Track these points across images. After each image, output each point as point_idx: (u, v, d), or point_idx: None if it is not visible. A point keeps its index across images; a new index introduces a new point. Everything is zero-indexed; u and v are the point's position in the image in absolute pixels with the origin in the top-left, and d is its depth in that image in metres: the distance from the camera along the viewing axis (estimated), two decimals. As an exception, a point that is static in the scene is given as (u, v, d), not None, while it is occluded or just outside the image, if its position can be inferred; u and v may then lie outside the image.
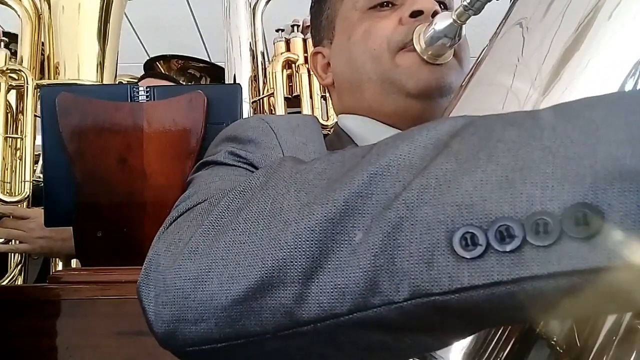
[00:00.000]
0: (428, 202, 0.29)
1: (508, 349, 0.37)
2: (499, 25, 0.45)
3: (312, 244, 0.32)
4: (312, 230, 0.32)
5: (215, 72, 2.16)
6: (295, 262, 0.32)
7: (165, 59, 2.20)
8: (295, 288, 0.32)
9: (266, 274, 0.33)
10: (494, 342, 0.37)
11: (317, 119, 0.66)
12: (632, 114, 0.27)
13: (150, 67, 2.17)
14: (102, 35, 1.53)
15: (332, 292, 0.31)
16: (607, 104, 0.29)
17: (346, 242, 0.31)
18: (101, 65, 1.53)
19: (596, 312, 0.37)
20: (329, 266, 0.31)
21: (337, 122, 0.70)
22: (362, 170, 0.32)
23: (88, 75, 1.51)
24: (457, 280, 0.28)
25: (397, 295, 0.29)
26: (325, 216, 0.32)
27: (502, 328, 0.37)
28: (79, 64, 1.52)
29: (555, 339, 0.39)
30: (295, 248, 0.32)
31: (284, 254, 0.32)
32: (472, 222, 0.28)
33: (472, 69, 0.46)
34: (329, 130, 1.35)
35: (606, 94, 0.30)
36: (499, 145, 0.29)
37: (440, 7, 0.63)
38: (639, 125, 0.27)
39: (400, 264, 0.29)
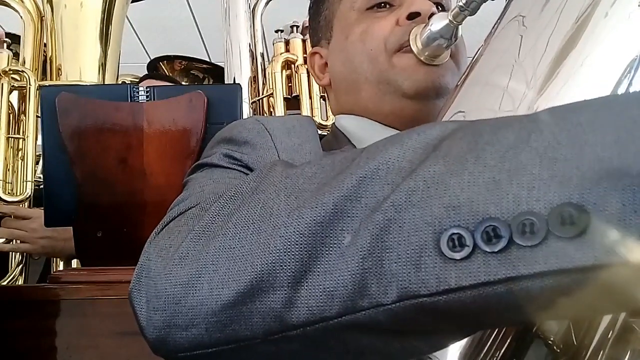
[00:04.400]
0: (416, 204, 0.29)
1: (504, 348, 0.37)
2: (494, 25, 0.45)
3: (301, 247, 0.32)
4: (301, 234, 0.32)
5: (218, 73, 2.15)
6: (285, 266, 0.32)
7: (169, 59, 2.20)
8: (285, 292, 0.32)
9: (255, 278, 0.33)
10: (490, 342, 0.37)
11: (313, 120, 0.66)
12: (618, 115, 0.28)
13: (154, 68, 2.18)
14: (104, 37, 1.53)
15: (321, 295, 0.31)
16: (594, 108, 0.29)
17: (335, 245, 0.31)
18: (103, 67, 1.53)
19: (585, 311, 0.37)
20: (318, 270, 0.31)
21: (334, 122, 0.70)
22: (352, 174, 0.32)
23: (90, 76, 1.51)
24: (444, 282, 0.28)
25: (386, 297, 0.29)
26: (314, 220, 0.32)
27: (498, 328, 0.37)
28: (81, 65, 1.52)
29: (552, 339, 0.39)
30: (285, 252, 0.32)
31: (273, 258, 0.32)
32: (459, 223, 0.28)
33: (467, 68, 0.46)
34: (327, 131, 1.34)
35: (593, 99, 0.30)
36: (486, 148, 0.29)
37: (438, 8, 0.63)
38: (626, 127, 0.27)
39: (389, 266, 0.29)
